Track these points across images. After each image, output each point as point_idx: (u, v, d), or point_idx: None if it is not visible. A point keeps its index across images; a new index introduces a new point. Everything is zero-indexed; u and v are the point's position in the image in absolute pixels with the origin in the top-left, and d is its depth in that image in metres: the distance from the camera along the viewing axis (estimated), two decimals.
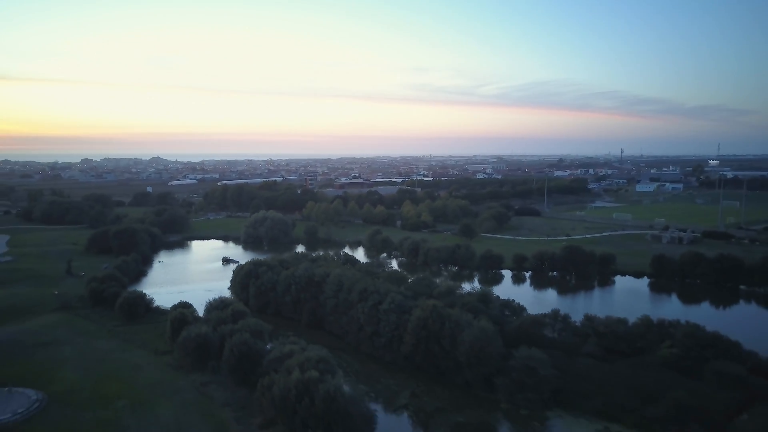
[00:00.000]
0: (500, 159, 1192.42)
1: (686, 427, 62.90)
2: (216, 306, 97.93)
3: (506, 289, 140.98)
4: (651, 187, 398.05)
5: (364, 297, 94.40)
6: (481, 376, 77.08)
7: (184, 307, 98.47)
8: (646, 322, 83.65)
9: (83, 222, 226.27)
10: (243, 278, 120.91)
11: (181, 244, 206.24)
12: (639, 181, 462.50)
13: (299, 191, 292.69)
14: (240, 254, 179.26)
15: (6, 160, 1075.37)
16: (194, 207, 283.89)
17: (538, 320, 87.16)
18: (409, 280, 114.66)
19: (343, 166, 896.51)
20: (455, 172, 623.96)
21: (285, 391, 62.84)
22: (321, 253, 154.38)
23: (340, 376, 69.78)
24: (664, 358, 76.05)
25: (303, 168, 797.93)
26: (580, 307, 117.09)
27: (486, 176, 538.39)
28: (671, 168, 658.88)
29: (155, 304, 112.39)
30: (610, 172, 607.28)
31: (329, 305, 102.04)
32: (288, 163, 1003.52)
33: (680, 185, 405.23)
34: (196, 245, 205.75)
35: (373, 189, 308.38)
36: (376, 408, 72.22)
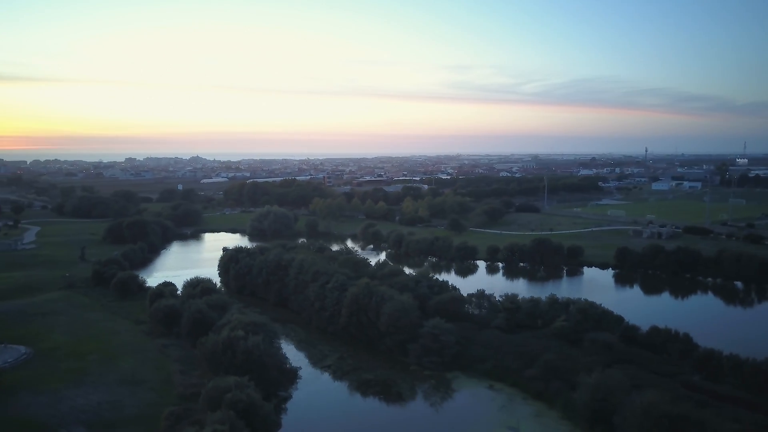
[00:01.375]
0: (535, 158, 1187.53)
1: (550, 383, 73.97)
2: (190, 284, 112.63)
3: (478, 278, 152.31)
4: (667, 186, 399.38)
5: (315, 278, 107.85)
6: (398, 342, 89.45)
7: (167, 286, 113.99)
8: (551, 300, 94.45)
9: (108, 216, 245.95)
10: (225, 263, 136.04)
11: (193, 236, 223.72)
12: (661, 180, 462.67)
13: (312, 188, 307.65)
14: (243, 245, 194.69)
15: (56, 159, 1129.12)
16: (213, 203, 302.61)
17: (460, 297, 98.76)
18: (374, 266, 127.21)
19: (376, 164, 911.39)
20: (480, 171, 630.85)
21: (215, 346, 76.69)
22: (302, 242, 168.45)
23: (268, 336, 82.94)
24: (555, 330, 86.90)
25: (335, 167, 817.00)
26: (537, 293, 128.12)
27: (509, 174, 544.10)
28: (704, 166, 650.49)
29: (149, 284, 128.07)
30: (636, 170, 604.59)
31: (291, 286, 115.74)
32: (322, 162, 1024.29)
33: (699, 184, 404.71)
34: (207, 237, 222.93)
35: (379, 187, 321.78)
36: (306, 367, 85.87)
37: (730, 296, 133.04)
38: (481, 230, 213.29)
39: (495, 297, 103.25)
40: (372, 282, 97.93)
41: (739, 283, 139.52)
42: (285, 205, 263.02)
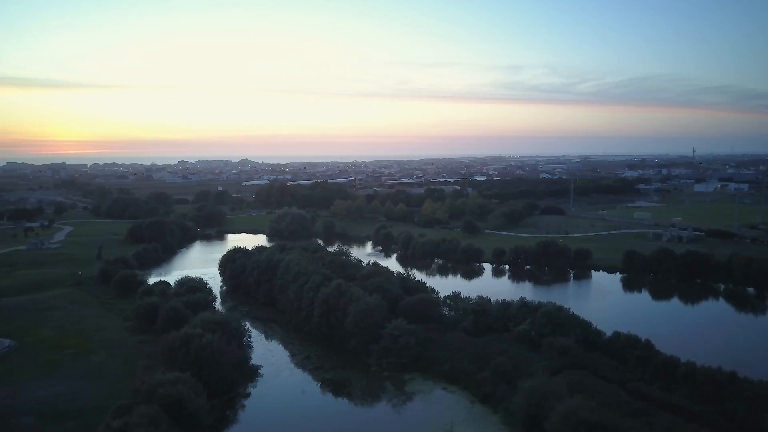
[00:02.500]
0: (585, 159, 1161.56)
1: (498, 387, 73.26)
2: (179, 283, 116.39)
3: (479, 280, 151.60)
4: (711, 188, 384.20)
5: (296, 278, 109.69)
6: (362, 343, 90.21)
7: (158, 285, 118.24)
8: (521, 304, 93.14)
9: (140, 217, 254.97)
10: (224, 263, 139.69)
11: (216, 236, 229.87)
12: (707, 181, 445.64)
13: (336, 190, 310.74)
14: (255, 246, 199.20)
15: (114, 163, 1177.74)
16: (243, 204, 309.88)
17: (429, 299, 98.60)
18: (366, 266, 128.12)
19: (420, 166, 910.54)
20: (522, 173, 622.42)
21: (172, 342, 79.35)
22: (312, 242, 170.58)
23: (229, 335, 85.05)
24: (517, 333, 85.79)
25: (378, 169, 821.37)
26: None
27: (549, 176, 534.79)
28: (761, 167, 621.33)
29: (151, 283, 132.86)
30: (684, 171, 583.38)
31: (277, 286, 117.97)
32: (367, 164, 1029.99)
33: (746, 185, 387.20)
34: (229, 237, 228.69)
35: (402, 188, 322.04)
36: (270, 366, 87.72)
37: (736, 302, 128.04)
38: (497, 232, 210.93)
39: (471, 299, 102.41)
40: (345, 283, 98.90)
41: (751, 289, 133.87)
42: (309, 206, 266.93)
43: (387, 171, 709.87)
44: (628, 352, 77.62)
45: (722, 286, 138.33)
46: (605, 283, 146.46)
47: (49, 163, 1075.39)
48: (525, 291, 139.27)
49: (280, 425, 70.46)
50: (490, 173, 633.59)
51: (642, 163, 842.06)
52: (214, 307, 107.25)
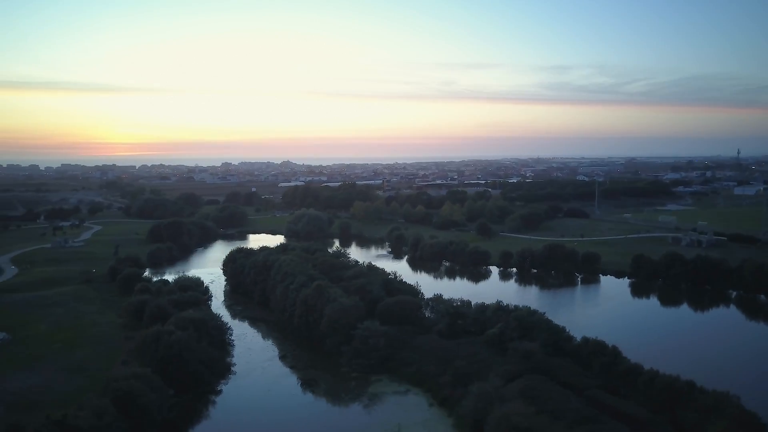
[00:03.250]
0: (630, 161, 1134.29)
1: (456, 390, 73.02)
2: (177, 282, 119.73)
3: (486, 284, 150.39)
4: (753, 191, 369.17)
5: (283, 279, 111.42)
6: (335, 343, 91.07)
7: (155, 283, 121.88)
8: (496, 307, 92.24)
9: (167, 217, 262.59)
10: (226, 263, 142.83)
11: (236, 236, 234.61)
12: (751, 183, 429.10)
13: (357, 192, 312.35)
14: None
15: (161, 164, 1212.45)
16: (270, 205, 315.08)
17: (407, 301, 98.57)
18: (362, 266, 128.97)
19: (459, 168, 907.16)
20: (559, 174, 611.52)
21: (144, 338, 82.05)
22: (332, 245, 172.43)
23: (203, 333, 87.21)
24: (486, 337, 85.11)
25: (416, 170, 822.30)
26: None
27: (586, 178, 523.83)
28: None
29: (154, 281, 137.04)
30: (729, 173, 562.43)
31: (270, 285, 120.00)
32: (405, 166, 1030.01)
33: None
34: (249, 238, 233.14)
35: (424, 190, 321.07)
36: (245, 364, 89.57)
37: (743, 310, 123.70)
38: (513, 235, 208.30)
39: (455, 302, 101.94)
40: (325, 284, 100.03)
41: (763, 296, 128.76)
42: (331, 208, 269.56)
43: (423, 173, 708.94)
44: (594, 358, 76.03)
45: (734, 293, 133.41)
46: (611, 288, 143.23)
47: (101, 165, 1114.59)
48: (526, 294, 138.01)
49: (238, 422, 71.92)
50: (528, 175, 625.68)
51: (688, 165, 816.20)
52: (208, 305, 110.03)
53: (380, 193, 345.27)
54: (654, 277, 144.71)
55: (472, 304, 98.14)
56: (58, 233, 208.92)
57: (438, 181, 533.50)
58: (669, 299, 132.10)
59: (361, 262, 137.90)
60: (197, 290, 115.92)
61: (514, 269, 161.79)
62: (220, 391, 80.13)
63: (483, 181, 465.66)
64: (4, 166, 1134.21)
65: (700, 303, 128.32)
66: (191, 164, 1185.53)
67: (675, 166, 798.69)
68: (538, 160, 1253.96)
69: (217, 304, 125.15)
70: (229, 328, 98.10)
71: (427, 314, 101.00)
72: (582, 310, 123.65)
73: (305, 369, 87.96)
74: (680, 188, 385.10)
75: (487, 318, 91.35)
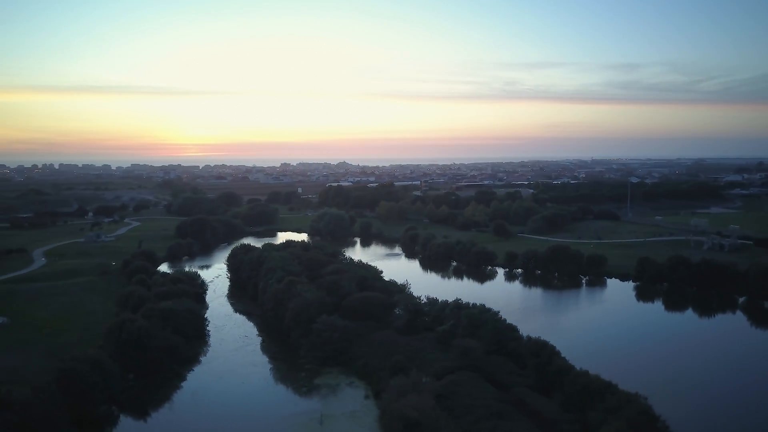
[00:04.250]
0: (699, 162, 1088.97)
1: (389, 383, 74.78)
2: (171, 275, 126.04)
3: (487, 284, 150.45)
4: None
5: (266, 274, 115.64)
6: (298, 336, 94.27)
7: (159, 276, 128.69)
8: (454, 304, 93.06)
9: (202, 214, 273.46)
10: (229, 259, 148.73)
11: (264, 234, 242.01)
12: None
13: (385, 192, 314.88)
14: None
15: (224, 165, 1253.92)
16: (304, 204, 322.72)
17: (374, 298, 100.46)
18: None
19: (516, 169, 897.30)
20: (611, 176, 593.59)
21: (112, 326, 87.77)
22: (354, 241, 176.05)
23: (171, 323, 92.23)
24: (439, 333, 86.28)
25: (471, 172, 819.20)
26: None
27: (638, 179, 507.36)
28: None
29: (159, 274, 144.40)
30: None
31: (259, 281, 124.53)
32: (460, 167, 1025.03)
33: None
34: (279, 235, 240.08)
35: (451, 191, 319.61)
36: (211, 353, 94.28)
37: (741, 317, 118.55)
38: (532, 237, 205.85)
39: (422, 299, 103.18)
40: (296, 279, 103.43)
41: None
42: (359, 207, 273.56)
43: (472, 173, 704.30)
44: (531, 357, 75.94)
45: (741, 298, 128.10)
46: (612, 291, 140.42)
47: (167, 165, 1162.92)
48: (519, 295, 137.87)
49: (180, 403, 76.33)
50: (580, 176, 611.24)
51: (758, 166, 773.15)
52: (194, 298, 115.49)
53: (417, 193, 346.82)
54: (659, 281, 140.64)
55: (440, 301, 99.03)
56: (95, 229, 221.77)
57: (486, 182, 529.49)
58: (666, 303, 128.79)
59: (364, 261, 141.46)
60: (191, 283, 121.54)
61: (520, 270, 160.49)
62: (178, 377, 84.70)
63: (525, 182, 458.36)
64: (80, 165, 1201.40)
65: (699, 308, 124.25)
66: (252, 164, 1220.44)
67: (742, 167, 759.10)
68: (599, 162, 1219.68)
69: (213, 297, 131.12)
70: (206, 320, 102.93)
71: (398, 311, 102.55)
72: (567, 313, 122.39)
73: (266, 360, 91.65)
74: (736, 190, 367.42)
75: (445, 315, 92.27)
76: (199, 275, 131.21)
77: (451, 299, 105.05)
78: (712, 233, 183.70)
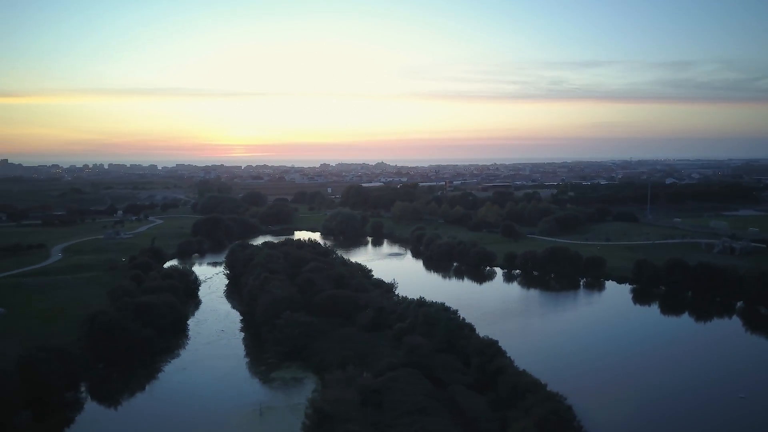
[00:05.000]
0: (749, 163, 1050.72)
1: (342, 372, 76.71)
2: (165, 270, 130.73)
3: (487, 285, 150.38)
4: None
5: (252, 270, 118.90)
6: (266, 331, 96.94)
7: (157, 272, 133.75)
8: (417, 303, 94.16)
9: (224, 213, 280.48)
10: (227, 256, 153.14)
11: (279, 232, 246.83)
12: None
13: (404, 192, 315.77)
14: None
15: (265, 165, 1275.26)
16: (326, 203, 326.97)
17: (342, 295, 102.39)
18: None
19: (554, 170, 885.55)
20: (647, 177, 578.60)
21: (86, 318, 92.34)
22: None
23: (144, 316, 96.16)
24: (395, 330, 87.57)
25: (508, 172, 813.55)
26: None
27: (674, 181, 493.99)
28: None
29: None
30: None
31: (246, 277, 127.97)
32: (498, 167, 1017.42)
33: None
34: (294, 234, 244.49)
35: (468, 192, 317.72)
36: (185, 346, 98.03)
37: (731, 323, 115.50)
38: (542, 237, 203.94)
39: (399, 298, 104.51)
40: (270, 276, 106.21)
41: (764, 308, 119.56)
42: (377, 207, 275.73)
43: (504, 174, 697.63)
44: (475, 356, 76.46)
45: (739, 303, 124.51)
46: (609, 294, 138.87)
47: (210, 165, 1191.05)
48: (508, 297, 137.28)
49: (139, 390, 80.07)
50: (617, 177, 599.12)
51: None
52: (193, 293, 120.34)
53: (440, 193, 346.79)
54: (656, 284, 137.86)
55: (408, 299, 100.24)
56: (117, 226, 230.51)
57: (517, 182, 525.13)
58: (656, 307, 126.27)
59: (367, 259, 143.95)
60: (181, 279, 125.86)
61: (518, 271, 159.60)
62: (145, 367, 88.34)
63: (555, 183, 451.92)
64: (128, 165, 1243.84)
65: (688, 312, 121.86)
66: (293, 165, 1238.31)
67: None
68: (643, 162, 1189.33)
69: (208, 293, 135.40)
70: (190, 313, 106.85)
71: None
72: (547, 315, 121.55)
73: (233, 354, 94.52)
74: None
75: (408, 313, 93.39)
76: (192, 272, 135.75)
77: (438, 299, 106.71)
78: (725, 236, 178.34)
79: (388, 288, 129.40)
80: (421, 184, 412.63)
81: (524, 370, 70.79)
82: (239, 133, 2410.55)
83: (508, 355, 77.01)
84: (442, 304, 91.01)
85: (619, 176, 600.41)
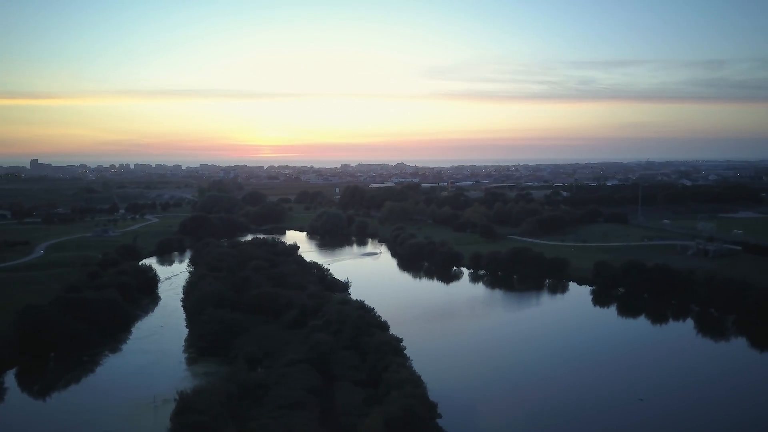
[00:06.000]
0: None
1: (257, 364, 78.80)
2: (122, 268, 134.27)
3: (442, 286, 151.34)
4: None
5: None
6: (193, 326, 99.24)
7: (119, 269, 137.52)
8: (336, 301, 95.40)
9: (220, 212, 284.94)
10: (192, 254, 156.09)
11: (268, 231, 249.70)
12: None
13: (396, 193, 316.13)
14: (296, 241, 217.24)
15: (287, 165, 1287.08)
16: (324, 203, 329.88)
17: (269, 294, 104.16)
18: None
19: (574, 171, 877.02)
20: (663, 178, 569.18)
21: (18, 311, 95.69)
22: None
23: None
24: (310, 327, 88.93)
25: (525, 173, 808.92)
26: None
27: (691, 183, 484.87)
28: None
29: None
30: None
31: None
32: (518, 168, 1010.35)
33: None
34: (284, 233, 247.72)
35: (460, 193, 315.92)
36: (124, 340, 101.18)
37: (672, 328, 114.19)
38: (522, 239, 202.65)
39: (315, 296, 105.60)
40: (206, 273, 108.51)
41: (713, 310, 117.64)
42: (372, 207, 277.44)
43: (518, 174, 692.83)
44: (371, 354, 77.33)
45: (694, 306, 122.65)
46: (567, 295, 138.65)
47: (233, 165, 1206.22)
48: (456, 298, 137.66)
49: (55, 382, 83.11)
50: (634, 178, 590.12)
51: None
52: (150, 289, 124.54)
53: (445, 194, 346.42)
54: (614, 286, 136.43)
55: (333, 297, 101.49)
56: (109, 224, 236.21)
57: (529, 183, 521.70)
58: (603, 309, 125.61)
59: (333, 259, 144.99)
60: (137, 276, 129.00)
61: (484, 272, 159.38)
62: (67, 360, 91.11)
63: (562, 184, 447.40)
64: (153, 165, 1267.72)
65: (632, 314, 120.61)
66: (316, 165, 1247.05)
67: None
68: (667, 163, 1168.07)
69: (169, 289, 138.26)
70: (127, 310, 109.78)
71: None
72: (487, 316, 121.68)
73: (159, 350, 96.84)
74: None
75: (327, 311, 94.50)
76: (152, 269, 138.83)
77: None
78: (700, 239, 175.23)
79: (342, 288, 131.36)
80: (423, 185, 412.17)
81: (411, 368, 71.44)
82: (267, 133, 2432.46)
83: (406, 353, 77.76)
84: (361, 303, 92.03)
85: (635, 177, 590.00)
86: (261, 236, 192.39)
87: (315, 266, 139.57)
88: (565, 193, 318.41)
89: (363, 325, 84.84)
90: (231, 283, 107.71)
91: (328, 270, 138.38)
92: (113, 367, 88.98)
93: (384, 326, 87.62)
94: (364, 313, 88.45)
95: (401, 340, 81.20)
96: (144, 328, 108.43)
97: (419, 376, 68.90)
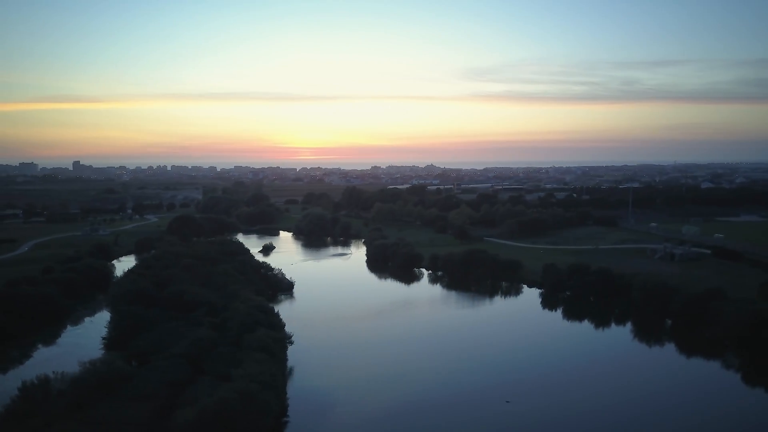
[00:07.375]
0: None
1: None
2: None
3: (403, 286, 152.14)
4: None
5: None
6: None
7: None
8: (242, 298, 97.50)
9: (218, 213, 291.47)
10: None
11: (257, 231, 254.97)
12: None
13: (391, 194, 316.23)
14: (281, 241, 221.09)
15: (319, 167, 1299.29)
16: (324, 203, 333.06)
17: (182, 291, 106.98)
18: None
19: (605, 173, 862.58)
20: (687, 181, 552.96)
21: None
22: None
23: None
24: (204, 325, 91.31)
25: (555, 175, 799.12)
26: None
27: (711, 185, 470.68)
28: None
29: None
30: None
31: None
32: (548, 170, 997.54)
33: None
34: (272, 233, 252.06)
35: (458, 194, 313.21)
36: (39, 336, 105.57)
37: (595, 333, 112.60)
38: (497, 241, 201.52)
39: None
40: (144, 272, 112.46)
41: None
42: (368, 208, 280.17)
43: (540, 177, 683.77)
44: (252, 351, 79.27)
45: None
46: (513, 298, 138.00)
47: (265, 167, 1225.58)
48: (400, 298, 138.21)
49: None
50: (658, 181, 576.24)
51: None
52: (102, 286, 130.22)
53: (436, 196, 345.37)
54: (560, 288, 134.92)
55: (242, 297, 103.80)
56: (102, 224, 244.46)
57: (547, 185, 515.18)
58: (534, 312, 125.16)
59: (306, 259, 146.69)
60: (88, 274, 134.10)
61: (441, 273, 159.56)
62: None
63: (574, 187, 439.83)
64: (189, 167, 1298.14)
65: (570, 318, 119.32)
66: (348, 167, 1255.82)
67: None
68: (708, 165, 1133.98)
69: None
70: (62, 305, 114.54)
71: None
72: (415, 317, 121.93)
73: (73, 343, 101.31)
74: None
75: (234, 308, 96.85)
76: (108, 266, 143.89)
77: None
78: (670, 240, 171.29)
79: (286, 287, 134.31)
80: (429, 187, 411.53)
81: (268, 363, 73.11)
82: (306, 136, 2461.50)
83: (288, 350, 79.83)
84: (259, 302, 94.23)
85: (657, 180, 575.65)
86: (259, 236, 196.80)
87: (263, 266, 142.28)
88: (560, 195, 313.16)
89: (250, 323, 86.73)
90: (154, 280, 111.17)
91: (274, 270, 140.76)
92: (20, 359, 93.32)
93: (277, 325, 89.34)
94: (253, 311, 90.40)
95: (289, 337, 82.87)
96: (75, 324, 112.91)
97: (276, 374, 70.53)
